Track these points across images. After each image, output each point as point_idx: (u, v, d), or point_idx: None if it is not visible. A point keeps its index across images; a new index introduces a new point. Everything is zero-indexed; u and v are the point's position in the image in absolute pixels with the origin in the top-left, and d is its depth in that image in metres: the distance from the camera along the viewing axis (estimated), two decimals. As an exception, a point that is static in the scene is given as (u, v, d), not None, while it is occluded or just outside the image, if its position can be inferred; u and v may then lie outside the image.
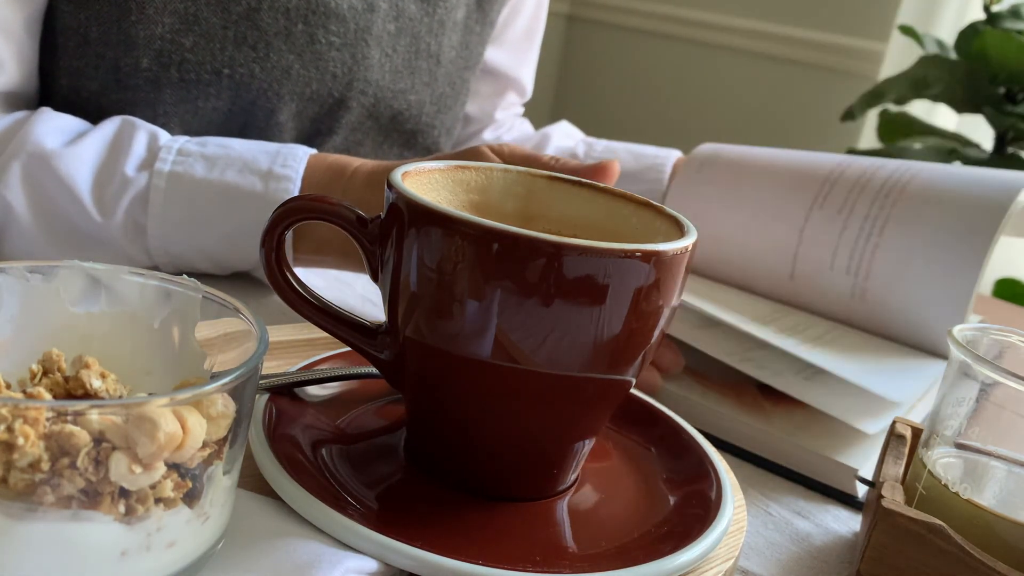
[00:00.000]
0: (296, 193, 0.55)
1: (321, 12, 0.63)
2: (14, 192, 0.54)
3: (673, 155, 0.79)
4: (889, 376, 0.51)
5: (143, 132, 0.57)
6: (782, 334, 0.58)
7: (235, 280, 0.60)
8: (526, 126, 0.95)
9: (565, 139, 0.87)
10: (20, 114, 0.58)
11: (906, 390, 0.47)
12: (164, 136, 0.57)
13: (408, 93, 0.72)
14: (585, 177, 0.53)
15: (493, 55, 0.84)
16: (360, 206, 0.35)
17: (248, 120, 0.65)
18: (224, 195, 0.55)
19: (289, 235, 0.55)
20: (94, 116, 0.60)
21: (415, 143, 0.77)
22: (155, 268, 0.57)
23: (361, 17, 0.66)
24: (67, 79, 0.61)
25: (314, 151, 0.58)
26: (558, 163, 0.52)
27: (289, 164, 0.56)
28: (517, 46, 0.86)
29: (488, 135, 0.90)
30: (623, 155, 0.80)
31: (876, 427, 0.46)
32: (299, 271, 0.39)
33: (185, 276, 0.32)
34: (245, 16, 0.61)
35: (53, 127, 0.56)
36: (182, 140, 0.57)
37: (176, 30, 0.59)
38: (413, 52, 0.71)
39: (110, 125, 0.57)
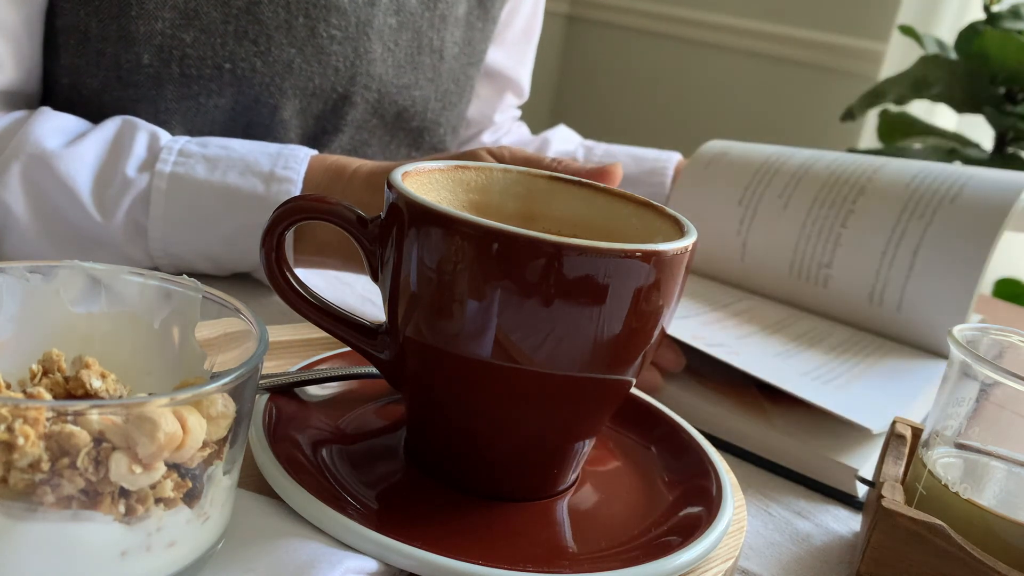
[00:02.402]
0: (296, 194, 0.55)
1: (322, 5, 0.63)
2: (13, 193, 0.53)
3: (674, 158, 0.79)
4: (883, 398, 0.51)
5: (144, 132, 0.57)
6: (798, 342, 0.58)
7: (235, 280, 0.60)
8: (524, 130, 0.95)
9: (564, 143, 0.87)
10: (19, 114, 0.58)
11: (884, 418, 0.47)
12: (165, 136, 0.57)
13: (412, 89, 0.72)
14: (588, 180, 0.53)
15: (492, 55, 0.84)
16: (359, 207, 0.35)
17: (252, 118, 0.65)
18: (225, 197, 0.55)
19: (289, 236, 0.55)
20: (96, 114, 0.60)
21: (422, 142, 0.77)
22: (155, 269, 0.57)
23: (362, 10, 0.66)
24: (68, 78, 0.61)
25: (315, 152, 0.58)
26: (560, 165, 0.52)
27: (290, 165, 0.56)
28: (515, 46, 0.86)
29: (487, 138, 0.90)
30: (623, 159, 0.81)
31: (880, 425, 0.46)
32: (299, 271, 0.39)
33: (185, 276, 0.32)
34: (245, 10, 0.61)
35: (53, 127, 0.56)
36: (183, 141, 0.57)
37: (176, 25, 0.59)
38: (416, 47, 0.71)
39: (110, 125, 0.57)
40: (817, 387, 0.50)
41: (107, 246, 0.55)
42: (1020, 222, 0.63)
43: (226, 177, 0.55)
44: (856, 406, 0.48)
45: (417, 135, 0.76)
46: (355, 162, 0.57)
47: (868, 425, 0.45)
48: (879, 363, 0.58)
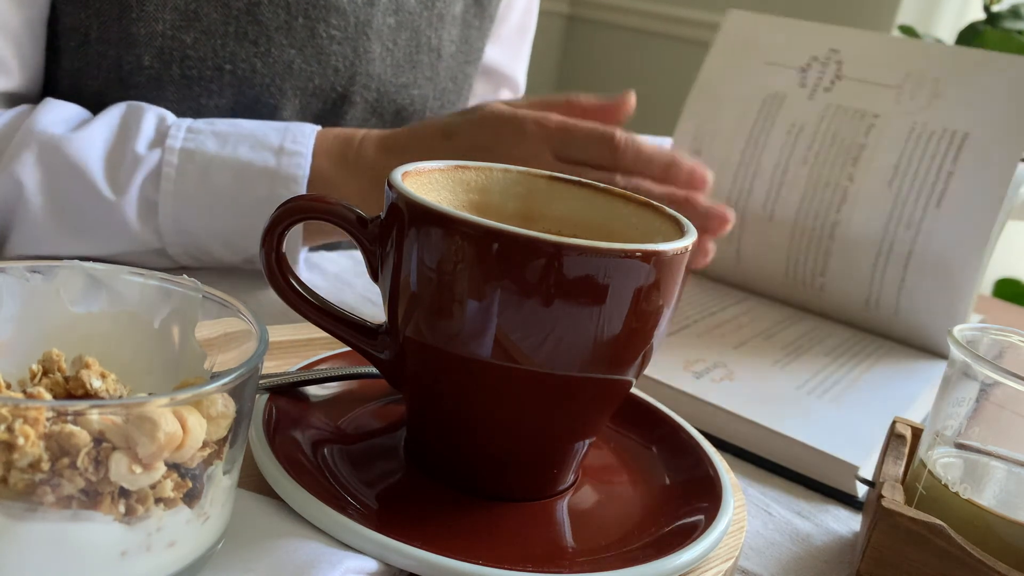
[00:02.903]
0: (308, 167, 0.56)
1: (321, 6, 0.64)
2: (26, 178, 0.54)
3: (667, 144, 0.80)
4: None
5: (151, 113, 0.57)
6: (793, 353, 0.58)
7: (235, 280, 0.60)
8: None
9: None
10: (23, 107, 0.58)
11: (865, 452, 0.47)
12: (171, 116, 0.58)
13: (411, 88, 0.73)
14: (602, 112, 0.55)
15: (487, 52, 0.84)
16: (376, 173, 0.35)
17: (252, 118, 0.65)
18: (237, 170, 0.55)
19: (298, 228, 0.55)
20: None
21: None
22: (164, 250, 0.58)
23: (361, 11, 0.66)
24: (69, 79, 0.61)
25: (319, 127, 0.59)
26: (575, 101, 0.53)
27: (299, 140, 0.57)
28: (511, 42, 0.86)
29: None
30: None
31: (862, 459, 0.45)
32: (299, 271, 0.39)
33: (185, 276, 0.32)
34: (245, 11, 0.61)
35: (58, 116, 0.56)
36: (189, 120, 0.58)
37: (177, 27, 0.59)
38: (414, 46, 0.71)
39: (116, 109, 0.58)
40: (810, 403, 0.50)
41: (117, 226, 0.55)
42: (1020, 211, 0.62)
43: (237, 151, 0.56)
44: (845, 428, 0.48)
45: None
46: (360, 130, 0.58)
47: (851, 461, 0.45)
48: (878, 364, 0.58)
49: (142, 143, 0.55)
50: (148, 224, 0.56)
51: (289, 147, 0.56)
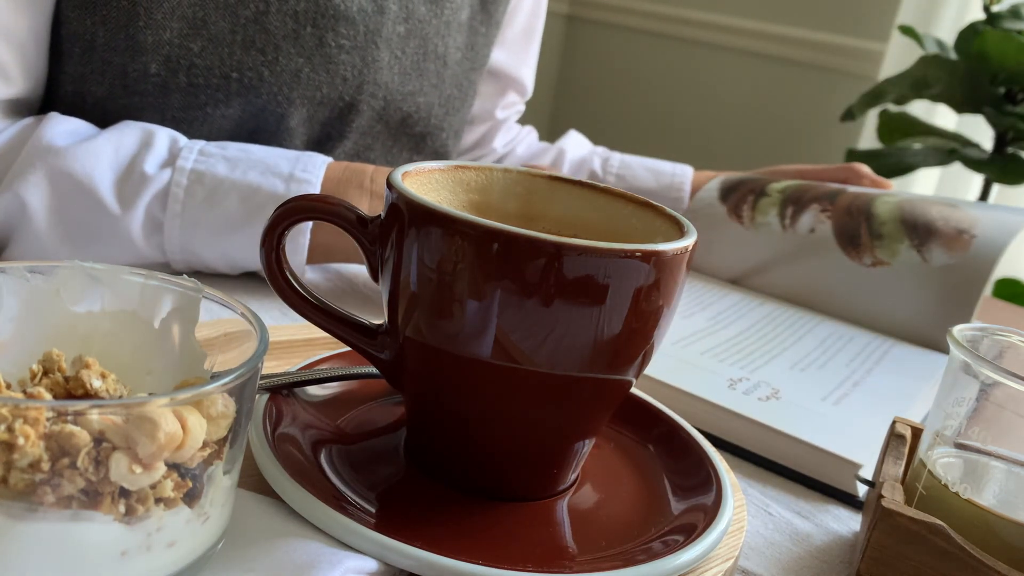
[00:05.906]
0: (300, 194, 0.56)
1: (330, 15, 0.63)
2: (33, 193, 0.53)
3: (688, 171, 0.81)
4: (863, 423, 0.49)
5: (164, 134, 0.57)
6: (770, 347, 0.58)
7: (235, 280, 0.60)
8: (532, 137, 0.95)
9: (578, 148, 0.88)
10: (28, 120, 0.58)
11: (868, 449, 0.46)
12: (184, 139, 0.58)
13: (417, 95, 0.72)
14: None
15: (494, 55, 0.84)
16: (380, 203, 0.35)
17: (258, 125, 0.64)
18: (246, 194, 0.55)
19: (304, 240, 0.56)
20: (100, 122, 0.60)
21: (424, 146, 0.77)
22: (167, 266, 0.58)
23: (371, 19, 0.66)
24: (72, 85, 0.60)
25: (331, 159, 0.59)
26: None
27: (309, 169, 0.57)
28: (516, 45, 0.86)
29: (499, 145, 0.90)
30: (640, 172, 0.83)
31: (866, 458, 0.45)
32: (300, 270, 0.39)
33: (185, 276, 0.32)
34: (253, 20, 0.60)
35: (64, 130, 0.56)
36: (201, 142, 0.58)
37: (184, 35, 0.59)
38: (422, 54, 0.71)
39: (129, 128, 0.57)
40: (811, 403, 0.50)
41: (121, 242, 0.55)
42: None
43: (247, 175, 0.56)
44: (845, 428, 0.48)
45: (419, 140, 0.76)
46: (370, 167, 0.58)
47: (852, 460, 0.45)
48: (879, 364, 0.58)
49: (153, 162, 0.55)
50: (152, 241, 0.56)
51: (299, 175, 0.56)
